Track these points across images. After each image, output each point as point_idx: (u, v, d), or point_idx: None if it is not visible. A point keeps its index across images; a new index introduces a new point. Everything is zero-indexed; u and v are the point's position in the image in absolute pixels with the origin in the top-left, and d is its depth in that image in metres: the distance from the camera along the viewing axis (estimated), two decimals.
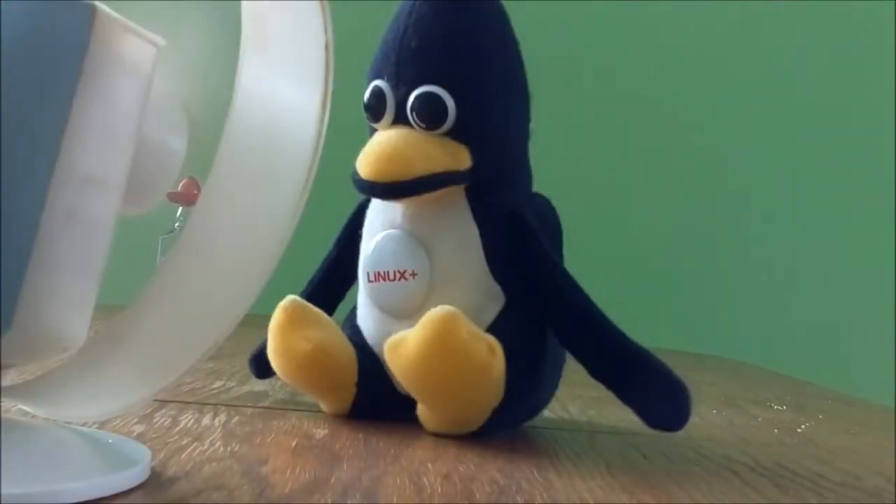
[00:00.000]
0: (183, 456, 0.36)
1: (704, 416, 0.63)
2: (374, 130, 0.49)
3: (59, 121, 0.28)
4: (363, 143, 0.48)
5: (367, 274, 0.49)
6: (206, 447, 0.38)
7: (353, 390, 0.48)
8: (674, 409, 0.45)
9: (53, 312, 0.30)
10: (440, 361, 0.42)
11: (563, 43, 1.41)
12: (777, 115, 1.50)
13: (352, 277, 0.52)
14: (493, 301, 0.48)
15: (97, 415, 0.35)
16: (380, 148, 0.46)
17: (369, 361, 0.49)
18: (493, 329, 0.46)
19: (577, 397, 0.63)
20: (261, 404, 0.52)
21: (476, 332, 0.43)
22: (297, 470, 0.36)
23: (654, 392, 0.45)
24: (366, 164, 0.46)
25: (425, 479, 0.36)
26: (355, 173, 0.47)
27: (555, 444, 0.48)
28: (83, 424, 0.37)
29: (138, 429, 0.41)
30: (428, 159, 0.46)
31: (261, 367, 0.54)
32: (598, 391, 0.47)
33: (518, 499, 0.35)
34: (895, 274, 1.43)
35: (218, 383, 0.58)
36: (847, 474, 0.46)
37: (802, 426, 0.64)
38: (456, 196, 0.48)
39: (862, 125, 1.49)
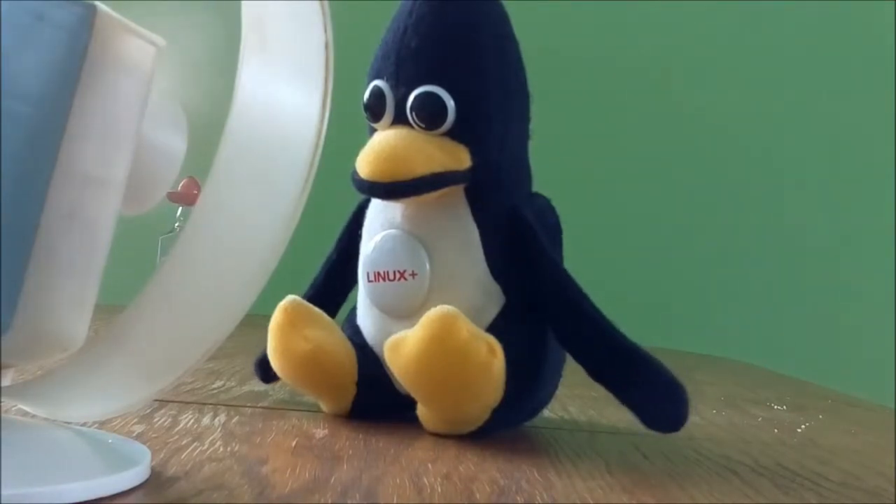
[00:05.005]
0: (183, 456, 0.36)
1: (704, 416, 0.63)
2: (373, 130, 0.49)
3: (60, 121, 0.28)
4: (363, 143, 0.48)
5: (367, 274, 0.49)
6: (206, 447, 0.38)
7: (353, 390, 0.48)
8: (672, 410, 0.45)
9: (53, 312, 0.30)
10: (440, 361, 0.42)
11: (564, 43, 1.41)
12: (777, 115, 1.50)
13: (354, 278, 0.52)
14: (493, 301, 0.48)
15: (97, 415, 0.35)
16: (379, 148, 0.46)
17: (369, 361, 0.49)
18: (493, 329, 0.45)
19: (577, 397, 0.63)
20: (261, 404, 0.52)
21: (476, 331, 0.43)
22: (297, 470, 0.36)
23: (653, 393, 0.45)
24: (365, 164, 0.46)
25: (425, 479, 0.36)
26: (355, 173, 0.47)
27: (555, 444, 0.48)
28: (83, 424, 0.37)
29: (138, 429, 0.41)
30: (428, 159, 0.46)
31: (266, 371, 0.54)
32: (598, 391, 0.47)
33: (518, 499, 0.35)
34: (895, 274, 1.43)
35: (218, 383, 0.58)
36: (847, 474, 0.46)
37: (802, 426, 0.64)
38: (456, 196, 0.48)
39: (862, 125, 1.49)
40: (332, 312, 0.52)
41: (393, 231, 0.48)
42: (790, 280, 1.46)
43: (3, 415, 0.32)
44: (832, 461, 0.50)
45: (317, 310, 0.49)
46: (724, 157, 1.48)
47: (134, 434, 0.40)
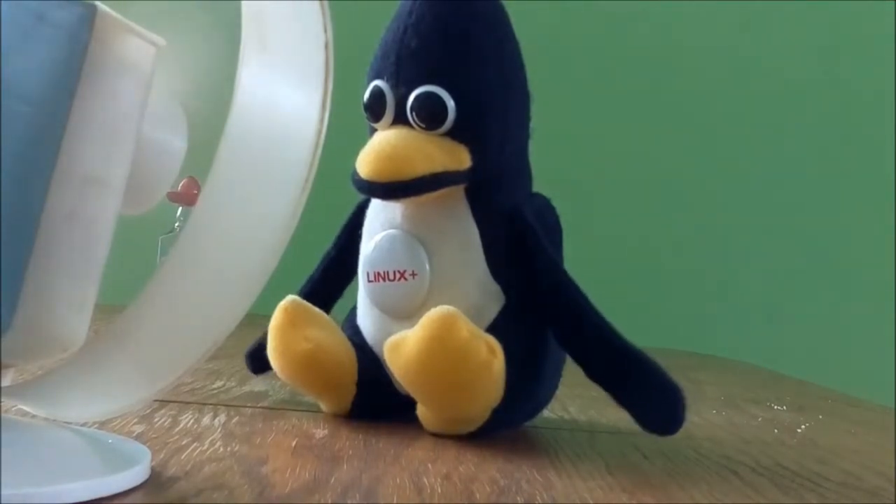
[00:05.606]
0: (183, 456, 0.36)
1: (704, 416, 0.63)
2: (373, 130, 0.49)
3: (60, 121, 0.28)
4: (363, 143, 0.48)
5: (367, 274, 0.49)
6: (206, 447, 0.38)
7: (353, 390, 0.48)
8: (668, 413, 0.45)
9: (53, 312, 0.30)
10: (440, 361, 0.42)
11: (564, 43, 1.41)
12: (777, 115, 1.50)
13: (350, 276, 0.52)
14: (493, 301, 0.48)
15: (97, 415, 0.35)
16: (379, 147, 0.46)
17: (369, 361, 0.49)
18: (493, 329, 0.45)
19: (577, 397, 0.63)
20: (261, 404, 0.52)
21: (476, 331, 0.43)
22: (297, 470, 0.36)
23: (649, 395, 0.45)
24: (365, 163, 0.46)
25: (425, 480, 0.36)
26: (355, 173, 0.47)
27: (555, 444, 0.48)
28: (83, 424, 0.37)
29: (138, 429, 0.41)
30: (428, 159, 0.46)
31: (255, 362, 0.54)
32: (598, 391, 0.47)
33: (518, 499, 0.35)
34: (895, 274, 1.43)
35: (218, 383, 0.58)
36: (847, 474, 0.46)
37: (802, 426, 0.64)
38: (456, 196, 0.48)
39: (862, 124, 1.49)
40: (327, 309, 0.52)
41: (393, 231, 0.48)
42: (790, 280, 1.46)
43: (3, 415, 0.32)
44: (832, 461, 0.50)
45: (317, 310, 0.49)
46: (725, 158, 1.48)
47: (134, 434, 0.40)
